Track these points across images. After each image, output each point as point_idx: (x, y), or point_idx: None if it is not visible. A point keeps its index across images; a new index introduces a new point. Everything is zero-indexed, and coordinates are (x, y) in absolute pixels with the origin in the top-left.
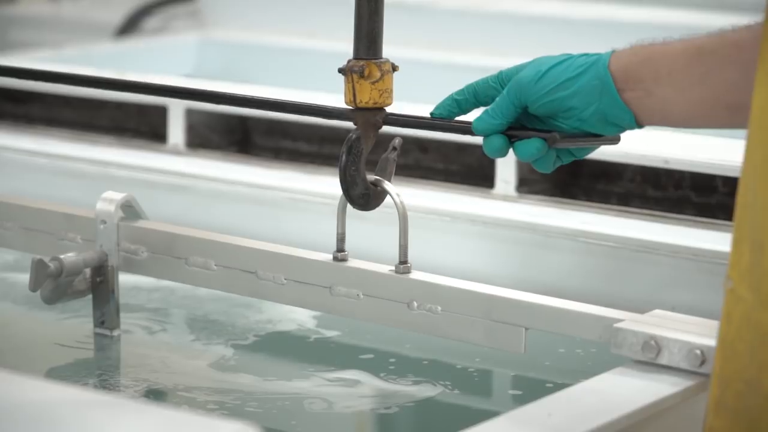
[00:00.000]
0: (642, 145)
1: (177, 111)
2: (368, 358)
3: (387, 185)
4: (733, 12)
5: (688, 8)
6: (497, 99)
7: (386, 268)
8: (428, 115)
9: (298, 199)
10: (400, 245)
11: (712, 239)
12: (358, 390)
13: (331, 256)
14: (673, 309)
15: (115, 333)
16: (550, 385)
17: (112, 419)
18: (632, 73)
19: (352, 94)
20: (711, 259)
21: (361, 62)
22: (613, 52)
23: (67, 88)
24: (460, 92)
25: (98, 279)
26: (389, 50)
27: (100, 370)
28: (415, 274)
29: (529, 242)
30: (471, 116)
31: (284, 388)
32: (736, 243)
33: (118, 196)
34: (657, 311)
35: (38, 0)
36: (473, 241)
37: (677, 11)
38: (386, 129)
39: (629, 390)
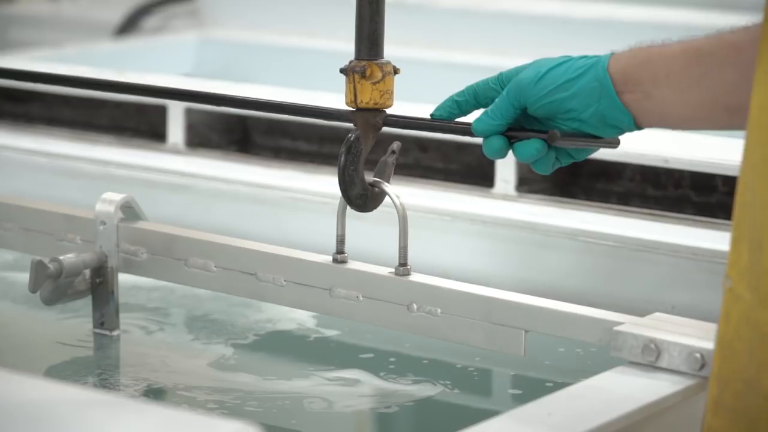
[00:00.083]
0: (642, 145)
1: (177, 110)
2: (368, 358)
3: (387, 187)
4: (732, 11)
5: (688, 7)
6: (497, 100)
7: (386, 270)
8: (428, 116)
9: (298, 199)
10: (399, 247)
11: (712, 238)
12: (358, 389)
13: (330, 258)
14: (672, 308)
15: (115, 333)
16: (550, 384)
17: (111, 418)
18: (631, 75)
19: (353, 94)
20: (711, 259)
21: (363, 62)
22: (612, 54)
23: (67, 87)
24: (461, 93)
25: (98, 280)
26: (389, 50)
27: (99, 369)
28: (415, 277)
29: (529, 242)
30: (470, 117)
31: (284, 388)
32: (735, 242)
33: (118, 197)
34: (657, 314)
35: None
36: (473, 241)
37: (677, 10)
38: (386, 129)
39: (629, 389)
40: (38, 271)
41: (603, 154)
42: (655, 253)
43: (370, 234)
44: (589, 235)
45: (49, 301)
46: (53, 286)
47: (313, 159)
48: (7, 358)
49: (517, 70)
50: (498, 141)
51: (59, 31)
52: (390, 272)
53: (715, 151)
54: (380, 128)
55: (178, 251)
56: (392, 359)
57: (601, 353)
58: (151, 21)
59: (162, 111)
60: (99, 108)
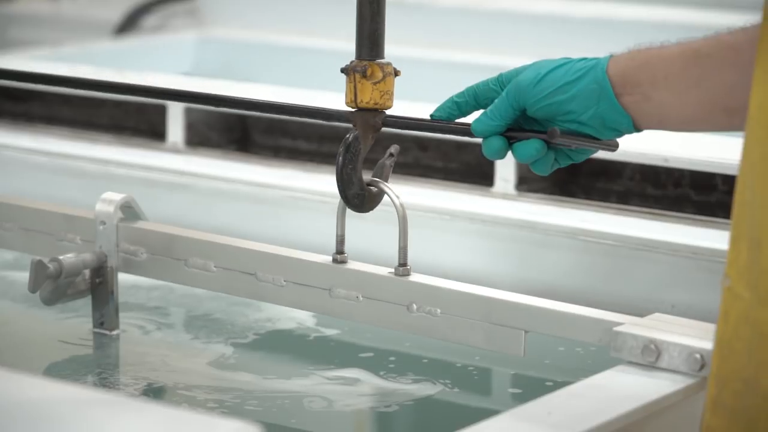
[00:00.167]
0: (641, 144)
1: (176, 109)
2: (368, 357)
3: (387, 187)
4: (731, 10)
5: (687, 7)
6: (496, 101)
7: (386, 271)
8: (428, 117)
9: (298, 198)
10: (399, 247)
11: (712, 237)
12: (358, 388)
13: (330, 258)
14: (672, 307)
15: (114, 333)
16: (550, 383)
17: (111, 417)
18: (630, 78)
19: (353, 93)
20: (710, 257)
21: (364, 62)
22: (612, 56)
23: (67, 89)
24: (461, 95)
25: (97, 280)
26: (388, 49)
27: (99, 368)
28: (415, 277)
29: (529, 240)
30: (470, 118)
31: (284, 387)
32: (734, 241)
33: (118, 197)
34: (656, 314)
35: None
36: (472, 240)
37: (676, 9)
38: (386, 128)
39: (629, 388)
40: (38, 271)
41: (603, 153)
42: (655, 252)
43: (370, 234)
44: (588, 234)
45: (49, 301)
46: (53, 286)
47: (312, 158)
48: (6, 357)
49: (517, 72)
50: (497, 141)
51: (59, 30)
52: (390, 272)
53: (715, 150)
54: (379, 129)
55: (177, 251)
56: (392, 358)
57: (601, 352)
58: (150, 20)
59: (162, 110)
60: (99, 107)
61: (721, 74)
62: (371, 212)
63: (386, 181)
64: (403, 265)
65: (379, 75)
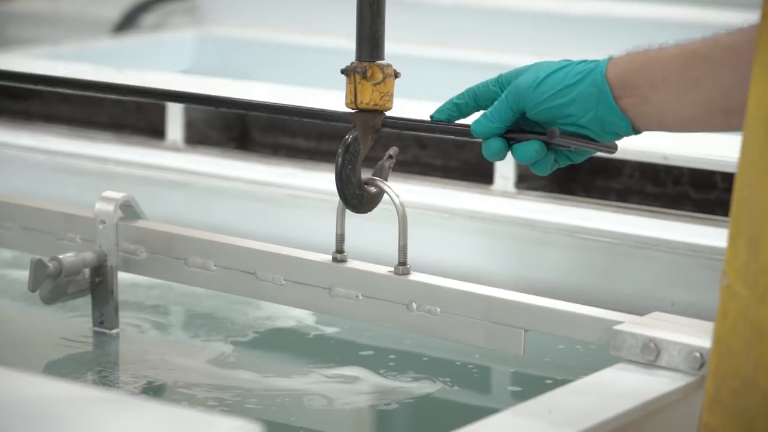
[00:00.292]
0: (641, 141)
1: (176, 108)
2: (368, 355)
3: (386, 186)
4: (729, 8)
5: (686, 5)
6: (496, 103)
7: (385, 269)
8: (427, 118)
9: (297, 196)
10: (399, 246)
11: (711, 235)
12: (358, 387)
13: (330, 257)
14: (671, 305)
15: (114, 332)
16: (550, 381)
17: (112, 416)
18: (628, 80)
19: (353, 94)
20: (710, 255)
21: (365, 64)
22: (610, 58)
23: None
24: (460, 96)
25: (97, 279)
26: (387, 47)
27: (99, 367)
28: (415, 276)
29: (528, 238)
30: (470, 119)
31: (284, 385)
32: (733, 239)
33: (118, 195)
34: (656, 313)
35: None
36: (472, 238)
37: (674, 7)
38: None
39: (629, 386)
40: (38, 270)
41: None
42: (654, 249)
43: (370, 232)
44: (588, 231)
45: (49, 300)
46: (53, 285)
47: (312, 156)
48: (6, 356)
49: (517, 73)
50: (497, 143)
51: (58, 29)
52: (389, 271)
53: (714, 147)
54: (379, 130)
55: (177, 250)
56: (392, 356)
57: (601, 350)
58: (149, 18)
59: (161, 108)
60: (98, 105)
61: (719, 75)
62: (371, 211)
63: (386, 180)
64: (402, 264)
65: (379, 76)
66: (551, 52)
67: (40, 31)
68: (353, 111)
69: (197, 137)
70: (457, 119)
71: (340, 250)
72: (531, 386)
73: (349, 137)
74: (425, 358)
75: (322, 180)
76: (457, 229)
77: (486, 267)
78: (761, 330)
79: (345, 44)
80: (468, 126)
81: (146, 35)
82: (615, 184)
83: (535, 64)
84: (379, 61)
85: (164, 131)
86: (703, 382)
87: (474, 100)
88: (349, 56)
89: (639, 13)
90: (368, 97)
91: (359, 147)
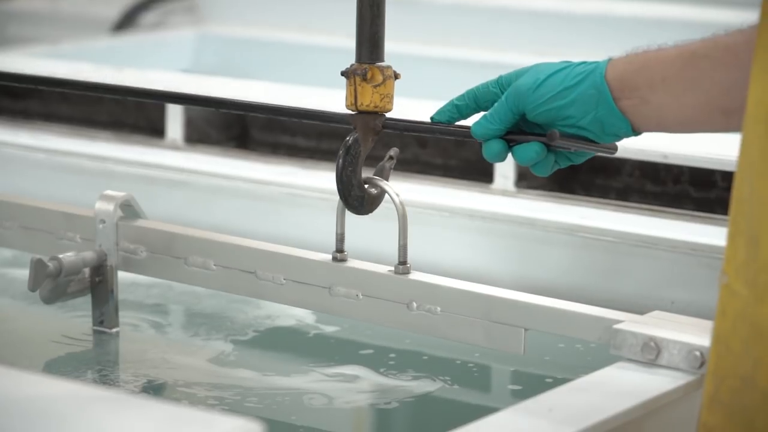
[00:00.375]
0: (641, 140)
1: (175, 107)
2: (368, 354)
3: (387, 185)
4: (729, 7)
5: (685, 4)
6: (495, 104)
7: (385, 269)
8: (428, 120)
9: (297, 195)
10: (399, 245)
11: (711, 234)
12: (358, 385)
13: (330, 257)
14: (672, 304)
15: (114, 331)
16: (550, 380)
17: (112, 414)
18: (628, 82)
19: (353, 96)
20: (710, 254)
21: (365, 65)
22: (610, 60)
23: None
24: (461, 98)
25: (97, 279)
26: (387, 46)
27: (99, 366)
28: (415, 275)
29: (528, 237)
30: (470, 120)
31: (284, 384)
32: (732, 238)
33: (117, 195)
34: (656, 312)
35: None
36: (472, 236)
37: (674, 6)
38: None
39: (630, 385)
40: (38, 269)
41: None
42: (655, 248)
43: (370, 231)
44: (588, 230)
45: (49, 299)
46: (53, 284)
47: (312, 155)
48: (6, 354)
49: (517, 75)
50: (497, 144)
51: (58, 28)
52: (389, 271)
53: (714, 146)
54: (380, 131)
55: (177, 250)
56: (392, 355)
57: (601, 349)
58: (148, 17)
59: (161, 107)
60: (97, 104)
61: (718, 75)
62: (372, 212)
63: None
64: (402, 263)
65: (380, 78)
66: (551, 51)
67: (40, 30)
68: (353, 113)
69: (197, 136)
70: (458, 120)
71: (340, 249)
72: (531, 385)
73: (349, 139)
74: (425, 357)
75: (322, 179)
76: (457, 228)
77: (486, 266)
78: (760, 329)
79: (344, 43)
80: (468, 128)
81: (146, 34)
82: (615, 183)
83: (535, 66)
84: (379, 63)
85: (164, 130)
86: (703, 381)
87: (474, 101)
88: (349, 55)
89: (639, 12)
90: (368, 98)
91: (360, 149)
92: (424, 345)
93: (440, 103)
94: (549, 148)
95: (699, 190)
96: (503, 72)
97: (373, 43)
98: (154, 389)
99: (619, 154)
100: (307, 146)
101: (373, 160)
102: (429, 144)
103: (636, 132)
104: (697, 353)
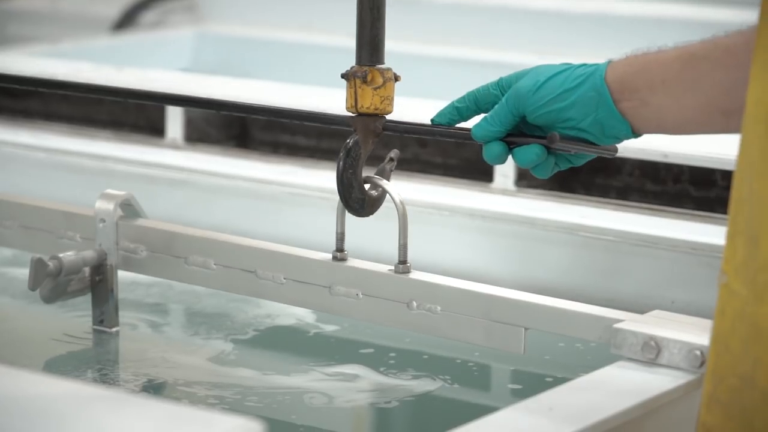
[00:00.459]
0: (641, 139)
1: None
2: (368, 353)
3: (387, 185)
4: (728, 6)
5: (684, 2)
6: (496, 107)
7: (386, 268)
8: (428, 122)
9: (297, 194)
10: (399, 245)
11: (711, 233)
12: (358, 384)
13: (330, 256)
14: (672, 303)
15: (114, 331)
16: (550, 379)
17: (112, 414)
18: (627, 84)
19: (353, 99)
20: (710, 253)
21: (365, 68)
22: (610, 62)
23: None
24: (461, 99)
25: (97, 278)
26: (387, 45)
27: (99, 365)
28: (415, 274)
29: (528, 236)
30: (470, 122)
31: (284, 383)
32: (731, 237)
33: (118, 194)
34: (656, 311)
35: None
36: (472, 236)
37: (674, 5)
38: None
39: (630, 384)
40: (38, 268)
41: None
42: (655, 248)
43: (370, 231)
44: (588, 230)
45: (49, 299)
46: (53, 284)
47: (312, 154)
48: (6, 354)
49: (517, 77)
50: (497, 147)
51: (57, 27)
52: (390, 270)
53: (715, 145)
54: (380, 134)
55: (177, 249)
56: (392, 354)
57: (602, 348)
58: (148, 16)
59: (161, 106)
60: (97, 103)
61: (717, 76)
62: (372, 214)
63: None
64: (403, 263)
65: (380, 80)
66: (551, 51)
67: (40, 29)
68: (354, 115)
69: (197, 135)
70: (458, 123)
71: (340, 248)
72: (531, 384)
73: (350, 141)
74: (425, 357)
75: (322, 178)
76: (457, 227)
77: (486, 265)
78: (760, 328)
79: (344, 42)
80: (469, 130)
81: (146, 33)
82: (615, 182)
83: (535, 68)
84: (380, 65)
85: (164, 129)
86: (703, 380)
87: (475, 103)
88: (349, 54)
89: (639, 11)
90: (369, 101)
91: (360, 151)
92: (424, 344)
93: (440, 103)
94: (549, 150)
95: (699, 190)
96: (503, 71)
97: (373, 45)
98: (154, 388)
99: (619, 154)
100: (307, 145)
101: (374, 159)
102: (429, 143)
103: (636, 134)
104: (698, 352)
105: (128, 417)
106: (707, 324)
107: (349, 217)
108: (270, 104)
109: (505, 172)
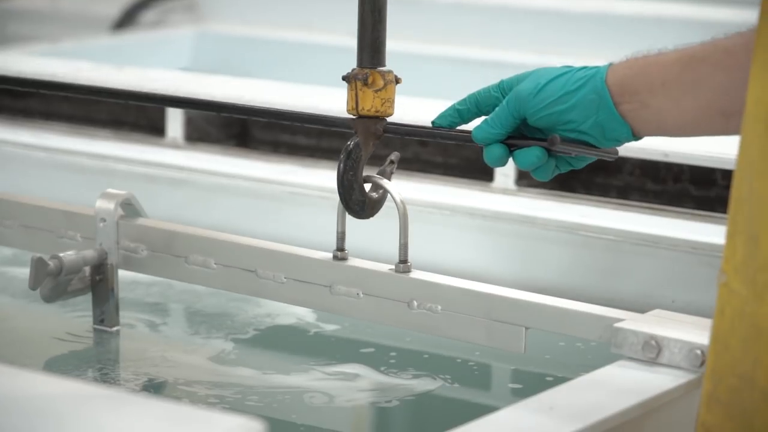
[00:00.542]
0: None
1: None
2: (368, 352)
3: (388, 185)
4: (728, 5)
5: (685, 2)
6: (497, 109)
7: (386, 267)
8: (429, 124)
9: (297, 193)
10: (400, 244)
11: (712, 232)
12: (358, 384)
13: (330, 255)
14: (672, 302)
15: (115, 330)
16: (551, 379)
17: (112, 413)
18: (628, 86)
19: (354, 101)
20: (710, 253)
21: (366, 70)
22: (610, 65)
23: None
24: (462, 102)
25: (98, 277)
26: (387, 45)
27: (99, 364)
28: (416, 274)
29: (529, 236)
30: (471, 125)
31: (284, 382)
32: (730, 237)
33: (118, 193)
34: (657, 311)
35: None
36: (472, 235)
37: (673, 5)
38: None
39: (631, 383)
40: (38, 268)
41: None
42: (655, 247)
43: (370, 230)
44: (588, 229)
45: (49, 298)
46: (53, 283)
47: (312, 153)
48: (6, 353)
49: (518, 79)
50: (498, 149)
51: (58, 26)
52: (390, 269)
53: (715, 145)
54: (381, 136)
55: (178, 248)
56: (392, 354)
57: (602, 348)
58: (148, 15)
59: (161, 106)
60: (97, 103)
61: (717, 78)
62: (373, 216)
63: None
64: (403, 262)
65: (381, 83)
66: (551, 50)
67: (40, 28)
68: (354, 117)
69: (197, 135)
70: (459, 125)
71: (340, 247)
72: (532, 384)
73: (350, 143)
74: (426, 356)
75: (322, 177)
76: (458, 226)
77: (486, 264)
78: (759, 328)
79: (345, 42)
80: (469, 132)
81: (146, 32)
82: (615, 182)
83: (536, 71)
84: (381, 68)
85: (164, 129)
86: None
87: (476, 105)
88: (349, 54)
89: (639, 10)
90: (369, 103)
91: (360, 153)
92: (424, 344)
93: (441, 102)
94: (550, 152)
95: (699, 189)
96: (503, 71)
97: (374, 48)
98: (154, 388)
99: (619, 153)
100: (307, 145)
101: (375, 159)
102: (429, 143)
103: (636, 136)
104: (698, 352)
105: (129, 416)
106: (708, 323)
107: (350, 217)
108: (270, 104)
109: (506, 171)
